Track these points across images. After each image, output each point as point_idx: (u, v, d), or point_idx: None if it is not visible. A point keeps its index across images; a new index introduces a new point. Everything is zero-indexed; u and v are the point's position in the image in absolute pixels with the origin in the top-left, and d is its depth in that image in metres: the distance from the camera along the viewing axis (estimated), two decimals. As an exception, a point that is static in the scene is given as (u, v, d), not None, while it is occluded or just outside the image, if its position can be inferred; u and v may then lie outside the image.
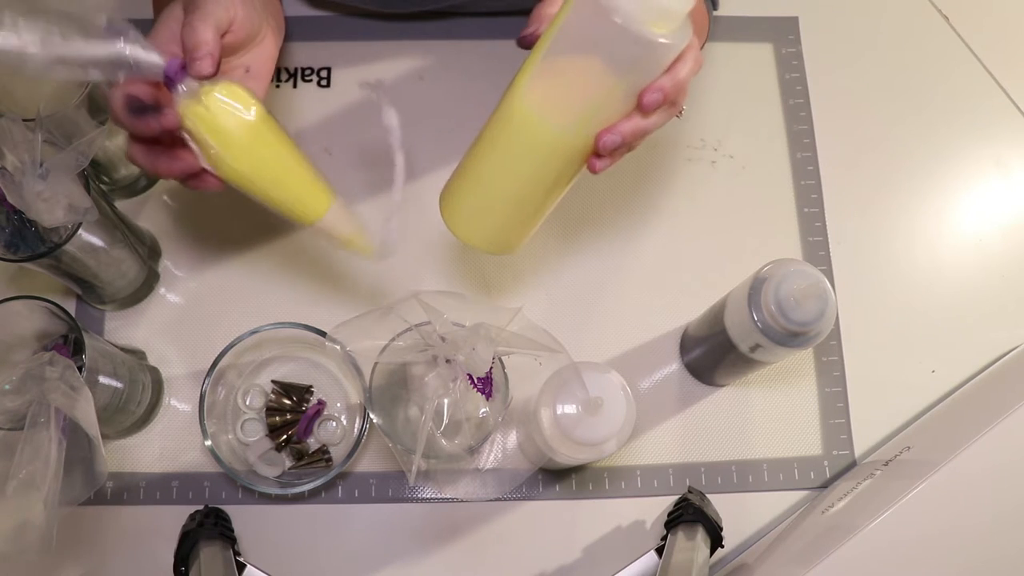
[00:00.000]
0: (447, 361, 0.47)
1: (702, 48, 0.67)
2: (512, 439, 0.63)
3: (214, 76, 0.45)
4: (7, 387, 0.46)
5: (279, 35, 0.55)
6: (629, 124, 0.47)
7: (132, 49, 0.41)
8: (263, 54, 0.52)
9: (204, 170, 0.47)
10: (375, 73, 0.71)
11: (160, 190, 0.67)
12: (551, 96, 0.46)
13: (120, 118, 0.44)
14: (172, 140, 0.46)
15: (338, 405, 0.63)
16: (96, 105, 0.57)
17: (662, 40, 0.42)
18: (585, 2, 0.43)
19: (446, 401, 0.47)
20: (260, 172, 0.47)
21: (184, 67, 0.44)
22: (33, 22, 0.38)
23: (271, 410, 0.61)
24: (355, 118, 0.70)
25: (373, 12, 0.72)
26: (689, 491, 0.61)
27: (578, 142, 0.47)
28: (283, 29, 0.57)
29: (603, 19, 0.42)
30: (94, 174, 0.62)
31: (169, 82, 0.43)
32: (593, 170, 0.49)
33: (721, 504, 0.60)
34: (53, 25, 0.39)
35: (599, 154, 0.48)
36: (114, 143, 0.61)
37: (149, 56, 0.42)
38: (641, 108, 0.46)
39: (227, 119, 0.45)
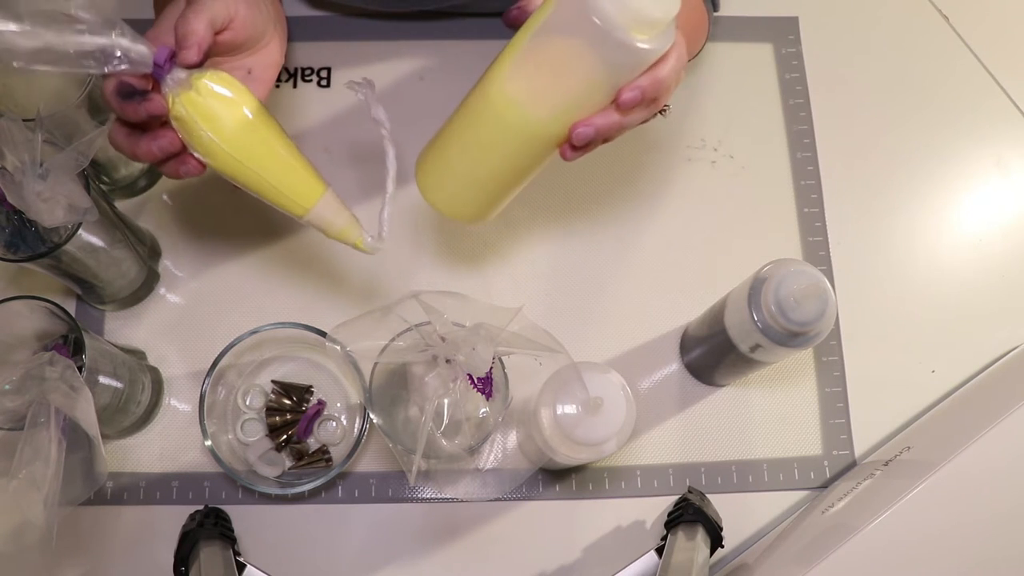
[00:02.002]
0: (447, 361, 0.47)
1: (702, 49, 0.67)
2: (512, 439, 0.63)
3: (200, 65, 0.45)
4: (7, 387, 0.46)
5: (284, 44, 0.55)
6: (604, 119, 0.47)
7: (121, 39, 0.41)
8: (267, 58, 0.52)
9: (185, 152, 0.47)
10: (375, 73, 0.71)
11: (160, 190, 0.67)
12: (530, 86, 0.47)
13: (110, 102, 0.44)
14: (157, 127, 0.46)
15: (338, 405, 0.63)
16: (96, 105, 0.57)
17: (643, 46, 0.43)
18: (571, 1, 0.43)
19: (446, 401, 0.47)
20: (251, 156, 0.46)
21: (173, 57, 0.44)
22: (17, 11, 0.38)
23: (271, 410, 0.61)
24: (355, 118, 0.70)
25: (373, 12, 0.72)
26: (689, 491, 0.61)
27: (553, 131, 0.48)
28: (286, 39, 0.57)
29: (586, 20, 0.42)
30: (94, 174, 0.62)
31: (158, 70, 0.43)
32: (565, 158, 0.49)
33: (721, 504, 0.60)
34: (40, 16, 0.39)
35: (573, 145, 0.48)
36: (114, 143, 0.61)
37: (137, 46, 0.42)
38: (618, 106, 0.46)
39: (218, 101, 0.45)
